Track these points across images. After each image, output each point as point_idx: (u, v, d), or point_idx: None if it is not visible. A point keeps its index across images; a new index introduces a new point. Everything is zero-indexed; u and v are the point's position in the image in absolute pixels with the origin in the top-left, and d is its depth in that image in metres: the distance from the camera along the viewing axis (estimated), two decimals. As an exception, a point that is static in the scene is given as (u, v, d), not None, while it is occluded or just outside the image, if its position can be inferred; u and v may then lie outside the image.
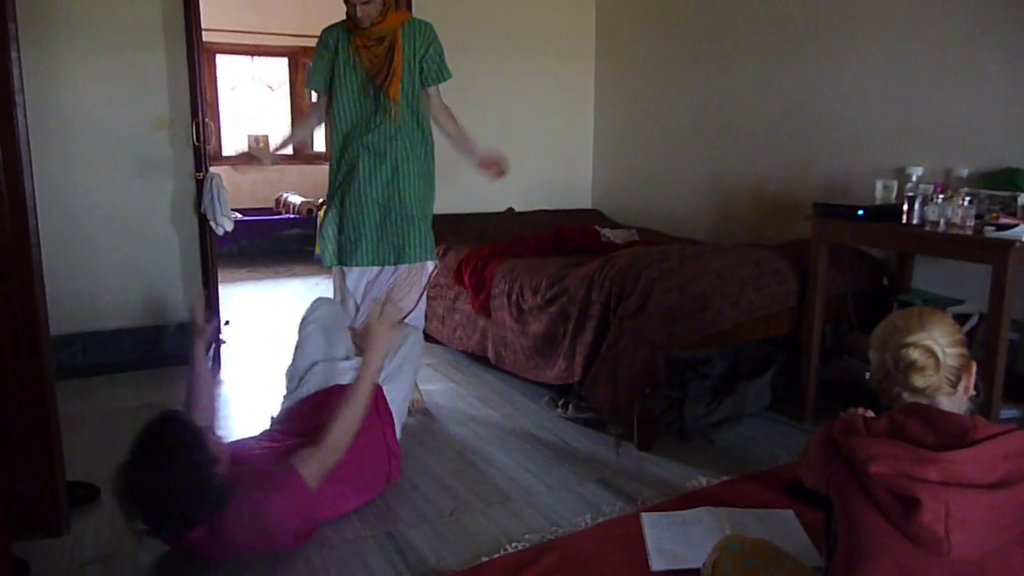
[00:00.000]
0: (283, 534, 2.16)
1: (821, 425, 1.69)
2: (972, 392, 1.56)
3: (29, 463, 2.25)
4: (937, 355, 1.48)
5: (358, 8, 3.03)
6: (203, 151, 4.08)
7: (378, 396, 2.64)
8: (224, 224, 4.06)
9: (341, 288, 3.36)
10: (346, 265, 3.26)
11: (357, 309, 3.32)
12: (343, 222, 3.24)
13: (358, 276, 3.30)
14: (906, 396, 1.54)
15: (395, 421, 2.72)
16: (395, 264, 3.25)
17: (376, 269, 3.29)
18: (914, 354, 1.49)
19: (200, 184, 4.07)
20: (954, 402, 1.53)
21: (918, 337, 1.50)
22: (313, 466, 2.21)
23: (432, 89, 3.24)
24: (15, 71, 2.03)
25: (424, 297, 3.37)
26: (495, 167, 3.25)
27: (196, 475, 1.95)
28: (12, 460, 2.21)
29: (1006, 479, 1.38)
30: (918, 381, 1.50)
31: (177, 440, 1.99)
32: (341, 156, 3.25)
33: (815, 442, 1.66)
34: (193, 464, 1.96)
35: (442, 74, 3.23)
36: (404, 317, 3.23)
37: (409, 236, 3.23)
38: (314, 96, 3.35)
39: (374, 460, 2.55)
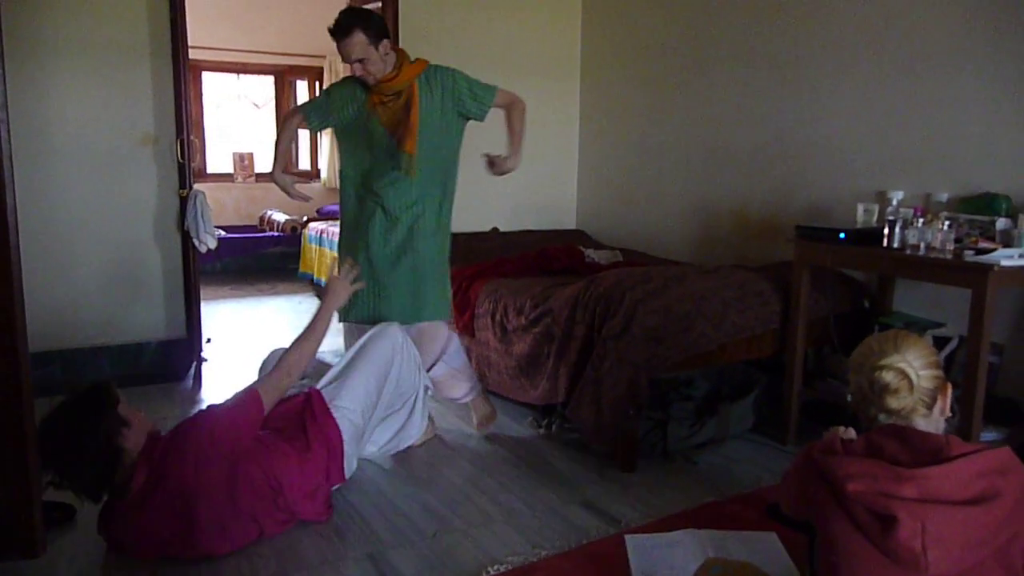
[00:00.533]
0: (237, 438, 2.32)
1: (803, 447, 1.71)
2: (948, 414, 1.60)
3: (5, 483, 2.21)
4: (911, 377, 1.52)
5: (356, 70, 2.96)
6: (187, 168, 4.06)
7: (314, 400, 2.64)
8: (207, 241, 4.04)
9: (350, 344, 3.16)
10: (356, 321, 3.17)
11: None
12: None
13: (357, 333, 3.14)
14: (883, 418, 1.57)
15: (347, 428, 2.63)
16: (409, 322, 3.11)
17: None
18: (888, 376, 1.53)
19: (184, 201, 4.06)
20: (930, 423, 1.56)
21: (892, 360, 1.53)
22: (269, 387, 2.51)
23: (495, 103, 3.14)
24: (0, 87, 2.02)
25: (454, 337, 3.33)
26: (498, 168, 3.15)
27: (97, 434, 2.17)
28: (-13, 479, 2.17)
29: (981, 496, 1.41)
30: (892, 403, 1.54)
31: (90, 402, 2.24)
32: (356, 210, 3.18)
33: (794, 465, 1.69)
34: (96, 424, 2.18)
35: (482, 101, 3.11)
36: (433, 364, 3.23)
37: (422, 294, 3.13)
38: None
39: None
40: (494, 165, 3.13)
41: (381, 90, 3.02)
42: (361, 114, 3.09)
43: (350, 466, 2.69)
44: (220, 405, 2.46)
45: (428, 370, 3.19)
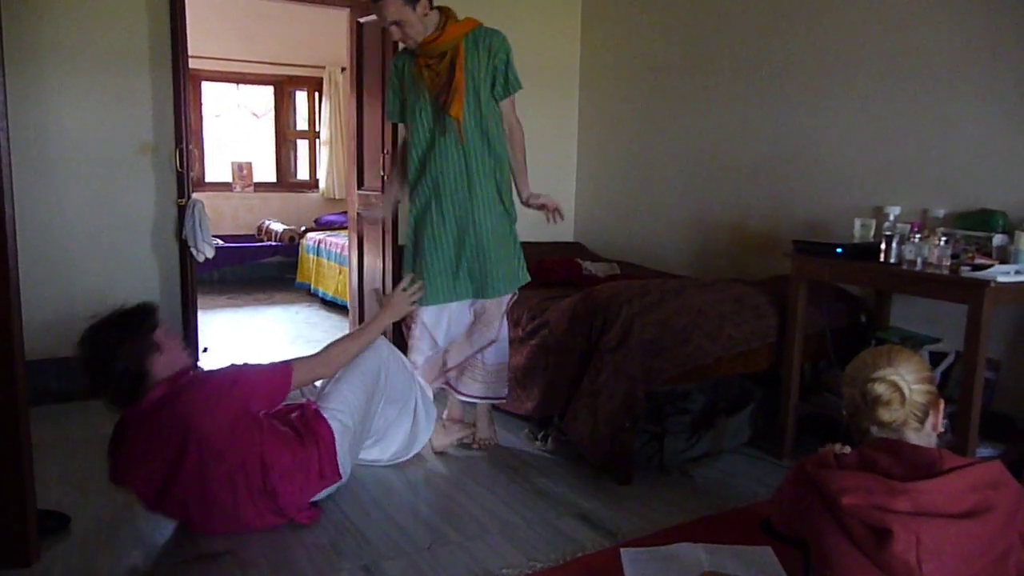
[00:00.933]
0: (254, 399, 2.42)
1: (797, 462, 1.72)
2: (940, 429, 1.62)
3: (-1, 491, 2.20)
4: (902, 390, 1.54)
5: (394, 33, 2.85)
6: (186, 177, 4.07)
7: (306, 405, 2.71)
8: (205, 251, 4.04)
9: (419, 325, 3.16)
10: (420, 304, 3.08)
11: (436, 344, 3.18)
12: (417, 258, 3.07)
13: (435, 313, 3.12)
14: (875, 430, 1.59)
15: (336, 426, 2.64)
16: (474, 298, 3.12)
17: (454, 304, 3.12)
18: (879, 388, 1.55)
19: (182, 210, 4.06)
20: (922, 437, 1.58)
21: (884, 372, 1.56)
22: (304, 367, 2.58)
23: (504, 103, 3.02)
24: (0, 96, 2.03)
25: (505, 325, 3.26)
26: (550, 210, 3.16)
27: (127, 352, 2.31)
28: (-19, 488, 2.16)
29: (974, 509, 1.42)
30: (884, 415, 1.55)
31: (129, 321, 2.39)
32: (415, 187, 3.07)
33: (787, 480, 1.70)
34: (129, 343, 2.32)
35: (508, 85, 2.99)
36: (485, 347, 3.18)
37: (488, 271, 3.05)
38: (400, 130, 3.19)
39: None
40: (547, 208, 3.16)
41: (426, 52, 2.88)
42: (411, 83, 2.97)
43: (344, 466, 2.68)
44: (252, 365, 2.56)
45: (477, 351, 3.18)
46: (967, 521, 1.41)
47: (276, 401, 2.55)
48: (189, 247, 4.04)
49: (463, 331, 3.20)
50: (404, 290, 2.99)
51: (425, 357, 3.18)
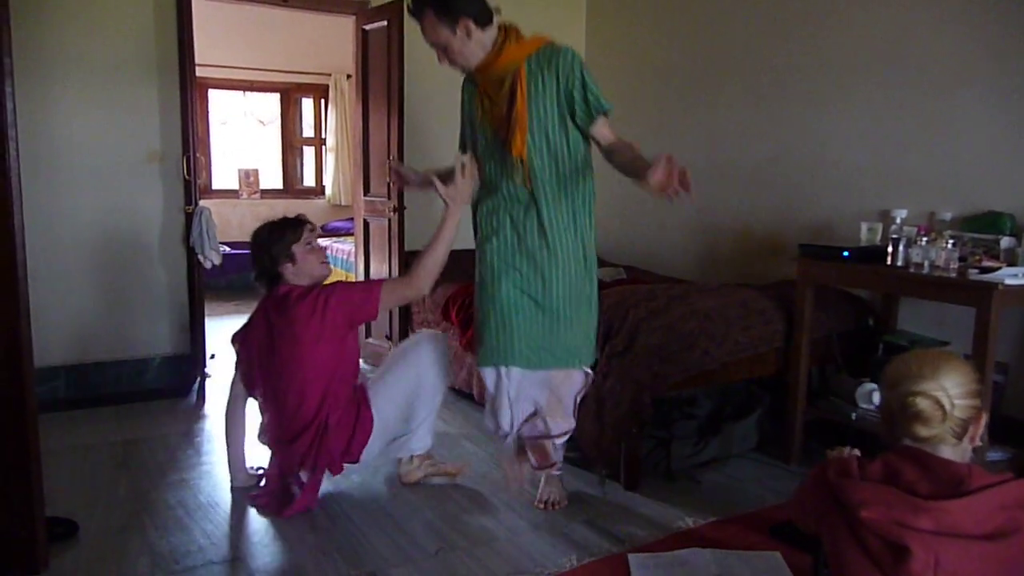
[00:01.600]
0: (338, 310, 2.68)
1: (808, 467, 1.69)
2: (978, 443, 1.53)
3: (8, 498, 2.21)
4: (944, 407, 1.45)
5: (439, 58, 2.46)
6: (193, 185, 4.08)
7: (359, 389, 2.87)
8: (212, 257, 4.06)
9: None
10: (479, 365, 2.65)
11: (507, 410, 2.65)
12: (477, 313, 2.66)
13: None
14: (907, 442, 1.51)
15: (376, 418, 2.81)
16: (536, 368, 2.58)
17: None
18: (921, 404, 1.46)
19: (189, 217, 4.07)
20: (957, 452, 1.50)
21: (928, 387, 1.46)
22: (390, 287, 2.82)
23: (595, 129, 2.52)
24: (9, 105, 2.04)
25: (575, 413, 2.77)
26: (671, 178, 2.12)
27: (266, 253, 2.77)
28: (-9, 495, 2.17)
29: (1000, 530, 1.37)
30: (922, 431, 1.47)
31: (279, 228, 2.82)
32: (478, 230, 2.67)
33: (809, 482, 1.65)
34: (269, 247, 2.77)
35: (590, 109, 2.47)
36: (560, 437, 2.74)
37: (556, 336, 2.55)
38: None
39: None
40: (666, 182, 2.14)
41: (487, 77, 2.46)
42: (470, 115, 2.62)
43: (369, 452, 2.83)
44: (350, 284, 2.89)
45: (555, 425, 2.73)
46: (990, 544, 1.36)
47: (359, 317, 2.79)
48: (196, 254, 4.06)
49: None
50: (463, 174, 2.59)
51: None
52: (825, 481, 1.56)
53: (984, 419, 1.52)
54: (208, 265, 4.09)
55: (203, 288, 4.27)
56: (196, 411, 3.95)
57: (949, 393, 1.46)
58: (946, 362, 1.50)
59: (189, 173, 4.07)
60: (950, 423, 1.47)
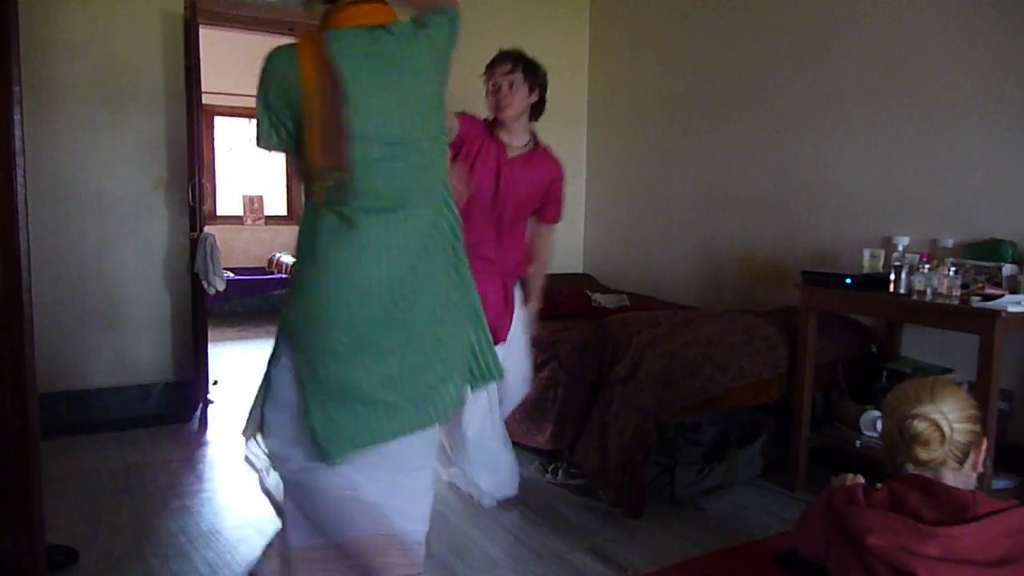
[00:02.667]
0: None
1: (812, 494, 1.69)
2: (980, 469, 1.54)
3: (8, 525, 2.20)
4: (943, 429, 1.47)
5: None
6: (199, 211, 4.11)
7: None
8: (216, 284, 4.07)
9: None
10: None
11: None
12: None
13: None
14: (910, 467, 1.52)
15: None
16: None
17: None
18: (920, 426, 1.48)
19: (194, 244, 4.09)
20: (960, 477, 1.51)
21: (926, 410, 1.48)
22: None
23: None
24: (17, 132, 2.05)
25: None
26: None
27: None
28: (-8, 521, 2.16)
29: (1006, 557, 1.36)
30: (922, 454, 1.49)
31: None
32: None
33: (815, 509, 1.65)
34: None
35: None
36: None
37: None
38: None
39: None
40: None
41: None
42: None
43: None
44: None
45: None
46: (996, 570, 1.35)
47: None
48: (201, 280, 4.07)
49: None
50: None
51: None
52: (831, 508, 1.56)
53: (985, 445, 1.53)
54: (212, 292, 4.10)
55: (207, 314, 4.27)
56: (198, 437, 3.94)
57: (947, 416, 1.48)
58: (942, 388, 1.52)
59: (195, 200, 4.10)
60: (950, 447, 1.48)
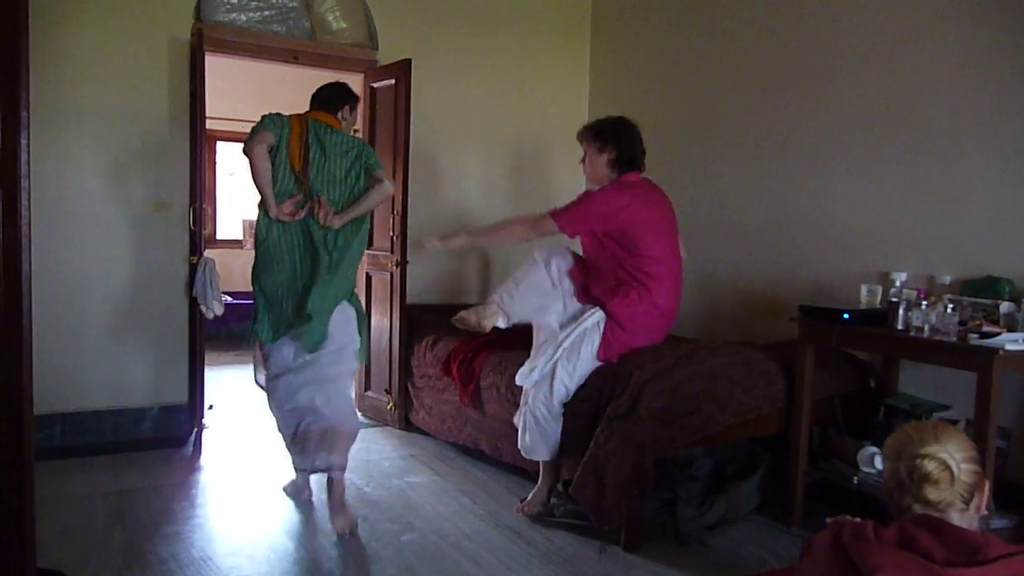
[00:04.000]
0: None
1: (809, 530, 1.68)
2: (984, 511, 1.54)
3: (0, 549, 2.18)
4: (952, 469, 1.48)
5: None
6: (199, 235, 4.12)
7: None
8: (214, 308, 4.06)
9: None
10: None
11: None
12: None
13: None
14: (917, 508, 1.52)
15: None
16: None
17: None
18: (929, 466, 1.48)
19: (193, 268, 4.10)
20: (965, 519, 1.51)
21: (933, 449, 1.49)
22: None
23: None
24: (23, 156, 2.07)
25: None
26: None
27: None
28: (-18, 545, 2.14)
29: None
30: (932, 494, 1.49)
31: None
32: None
33: (821, 544, 1.63)
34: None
35: None
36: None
37: None
38: None
39: None
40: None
41: None
42: None
43: None
44: None
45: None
46: None
47: None
48: (199, 304, 4.07)
49: None
50: None
51: None
52: (839, 543, 1.54)
53: (987, 487, 1.54)
54: (210, 316, 4.09)
55: (204, 338, 4.27)
56: (192, 462, 3.91)
57: (954, 456, 1.48)
58: (944, 429, 1.54)
59: (196, 224, 4.11)
60: (958, 487, 1.48)
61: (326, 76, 3.97)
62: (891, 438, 1.60)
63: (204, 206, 4.18)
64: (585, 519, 3.09)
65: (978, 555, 1.39)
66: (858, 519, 1.71)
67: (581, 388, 3.16)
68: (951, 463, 1.48)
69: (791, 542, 3.02)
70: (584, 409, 3.11)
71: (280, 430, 3.26)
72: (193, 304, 4.13)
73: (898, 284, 3.14)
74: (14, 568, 2.20)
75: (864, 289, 3.25)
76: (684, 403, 2.96)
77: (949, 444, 1.50)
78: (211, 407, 4.39)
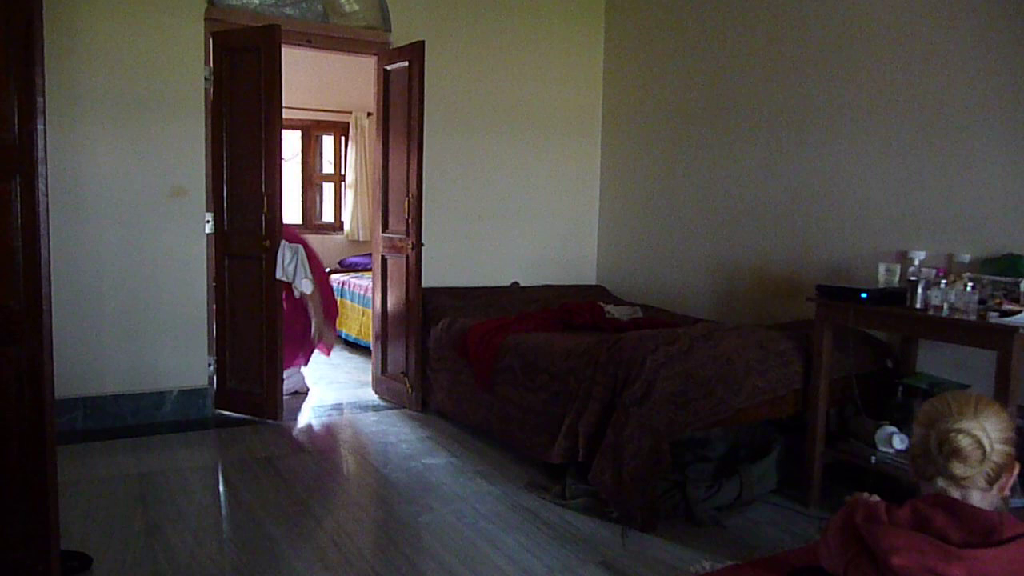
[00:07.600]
0: None
1: (827, 510, 1.67)
2: (1007, 493, 1.51)
3: (24, 531, 2.21)
4: (984, 448, 1.44)
5: None
6: (274, 221, 4.13)
7: None
8: (304, 287, 4.48)
9: None
10: None
11: None
12: None
13: None
14: (940, 481, 1.48)
15: None
16: None
17: None
18: (963, 441, 1.44)
19: (269, 252, 4.24)
20: (986, 499, 1.48)
21: (970, 425, 1.45)
22: None
23: None
24: (40, 142, 2.09)
25: None
26: None
27: None
28: (7, 528, 2.18)
29: None
30: (958, 470, 1.45)
31: None
32: None
33: (834, 525, 1.62)
34: None
35: None
36: None
37: None
38: None
39: None
40: None
41: None
42: None
43: None
44: None
45: None
46: None
47: None
48: (288, 284, 4.40)
49: None
50: None
51: None
52: (852, 525, 1.52)
53: (1017, 470, 1.50)
54: (297, 295, 4.49)
55: (282, 318, 4.38)
56: (212, 443, 3.95)
57: (990, 435, 1.44)
58: (986, 405, 1.49)
59: (270, 210, 4.17)
60: (986, 466, 1.45)
61: (340, 59, 3.98)
62: (927, 404, 1.54)
63: (274, 194, 4.22)
64: (598, 498, 3.10)
65: (993, 535, 1.38)
66: (875, 496, 1.70)
67: (593, 372, 3.16)
68: (985, 442, 1.43)
69: (808, 523, 3.01)
70: (598, 394, 3.10)
71: None
72: (209, 288, 4.17)
73: (916, 263, 3.11)
74: (39, 550, 2.24)
75: (882, 268, 3.22)
76: (698, 387, 2.95)
77: (987, 422, 1.45)
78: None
